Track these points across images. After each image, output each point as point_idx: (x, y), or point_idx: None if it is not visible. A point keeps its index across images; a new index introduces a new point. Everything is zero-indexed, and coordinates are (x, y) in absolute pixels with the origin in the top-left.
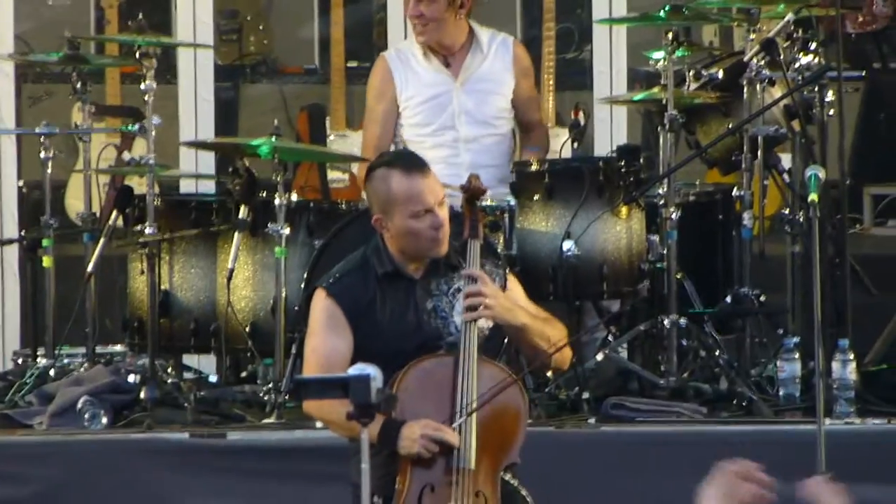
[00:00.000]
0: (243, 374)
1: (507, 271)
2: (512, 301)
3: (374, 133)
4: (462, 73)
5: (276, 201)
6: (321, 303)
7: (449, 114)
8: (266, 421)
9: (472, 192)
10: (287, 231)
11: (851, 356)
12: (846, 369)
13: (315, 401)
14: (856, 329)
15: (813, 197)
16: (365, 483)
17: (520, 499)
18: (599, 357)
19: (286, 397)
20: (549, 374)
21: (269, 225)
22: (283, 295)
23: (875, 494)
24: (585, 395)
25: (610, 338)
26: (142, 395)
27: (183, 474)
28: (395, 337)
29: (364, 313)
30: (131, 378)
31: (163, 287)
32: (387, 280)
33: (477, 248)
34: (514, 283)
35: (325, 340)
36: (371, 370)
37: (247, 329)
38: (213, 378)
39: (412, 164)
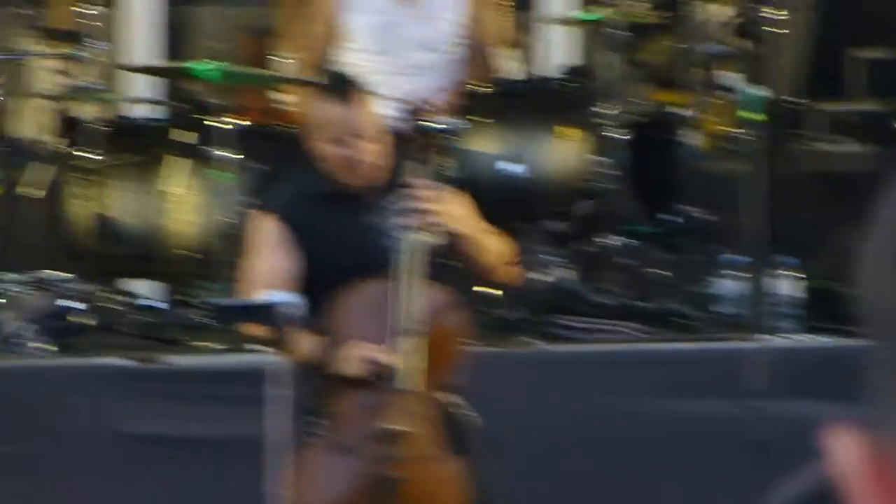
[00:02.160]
0: (186, 299)
1: (457, 187)
2: (458, 213)
3: (302, 55)
4: None
5: (220, 125)
6: (264, 224)
7: (399, 38)
8: (209, 345)
9: (417, 113)
10: (231, 155)
11: (795, 273)
12: (790, 286)
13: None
14: (801, 246)
15: (757, 114)
16: (274, 407)
17: (464, 420)
18: (545, 277)
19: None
20: (494, 292)
21: (213, 149)
22: (226, 219)
23: (819, 410)
24: (530, 315)
25: (555, 257)
26: (84, 320)
27: (124, 399)
28: (341, 256)
29: (308, 234)
30: (73, 303)
31: (104, 212)
32: (330, 199)
33: (421, 169)
34: (463, 199)
35: (268, 261)
36: (291, 295)
37: (190, 253)
38: (155, 303)
39: (338, 91)
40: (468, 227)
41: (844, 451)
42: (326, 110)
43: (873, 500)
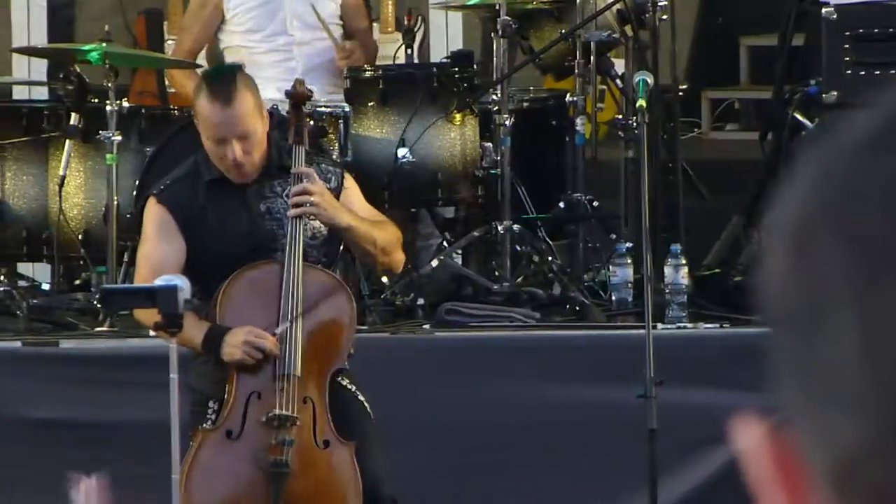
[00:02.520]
0: (76, 282)
1: (344, 171)
2: (339, 203)
3: (189, 38)
4: None
5: (108, 108)
6: (152, 210)
7: (280, 18)
8: (99, 329)
9: (297, 97)
10: (119, 138)
11: (684, 261)
12: (678, 274)
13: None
14: (689, 234)
15: (641, 102)
16: (174, 392)
17: (357, 404)
18: (434, 263)
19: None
20: (383, 278)
21: (100, 132)
22: (116, 202)
23: (706, 398)
24: (420, 301)
25: (444, 244)
26: None
27: (15, 382)
28: (229, 242)
29: (195, 219)
30: None
31: None
32: (217, 185)
33: (302, 154)
34: (351, 183)
35: (157, 247)
36: (178, 281)
37: (79, 237)
38: (45, 286)
39: (219, 90)
40: (343, 215)
41: (748, 438)
42: (208, 111)
43: (775, 486)
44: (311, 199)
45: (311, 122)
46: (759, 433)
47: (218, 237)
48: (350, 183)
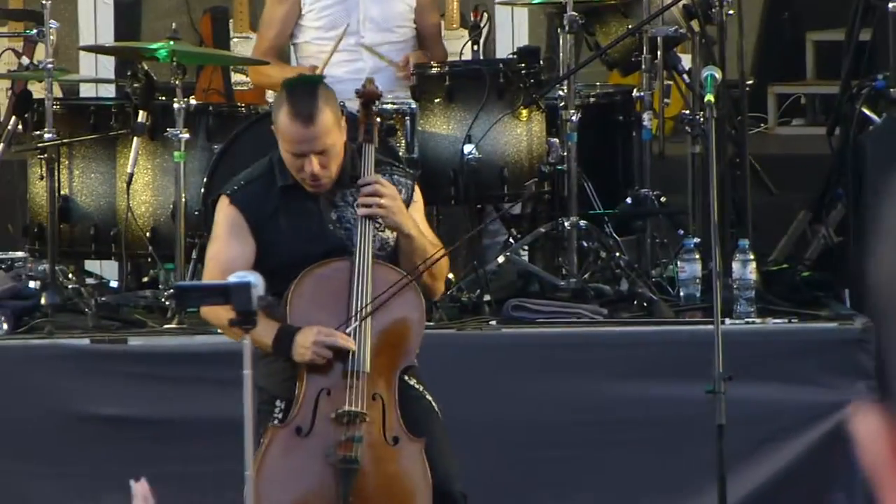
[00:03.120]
0: (144, 280)
1: (415, 185)
2: (403, 209)
3: (269, 35)
4: None
5: (175, 105)
6: (224, 210)
7: (354, 19)
8: (167, 326)
9: (368, 95)
10: (186, 135)
11: (751, 256)
12: (746, 269)
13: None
14: (757, 229)
15: (709, 97)
16: (247, 388)
17: (424, 402)
18: (500, 259)
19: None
20: (449, 275)
21: (168, 129)
22: (183, 200)
23: (774, 393)
24: (487, 298)
25: (511, 240)
26: (42, 300)
27: (84, 380)
28: (299, 247)
29: (267, 222)
30: (32, 284)
31: (63, 192)
32: (290, 190)
33: (371, 152)
34: (419, 198)
35: (227, 247)
36: (252, 277)
37: (147, 234)
38: (113, 283)
39: (300, 107)
40: (408, 222)
41: (866, 427)
42: (288, 127)
43: (893, 473)
44: (381, 200)
45: (381, 121)
46: (876, 422)
47: (288, 242)
48: (418, 197)
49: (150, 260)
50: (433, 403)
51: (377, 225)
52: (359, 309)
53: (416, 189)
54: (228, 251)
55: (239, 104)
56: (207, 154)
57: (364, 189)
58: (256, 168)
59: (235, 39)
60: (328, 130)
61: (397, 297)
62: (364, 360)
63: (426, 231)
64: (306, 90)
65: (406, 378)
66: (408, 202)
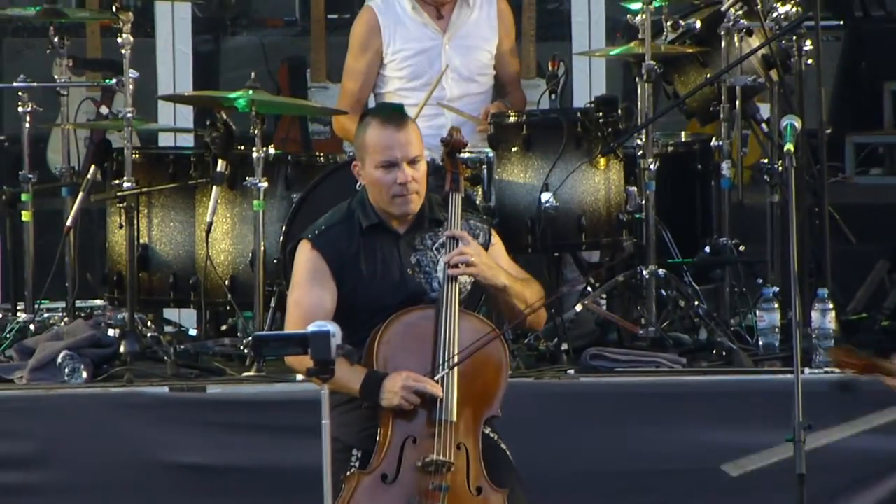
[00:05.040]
0: (223, 328)
1: (492, 228)
2: (493, 261)
3: (353, 87)
4: (450, 27)
5: (254, 154)
6: (306, 255)
7: (436, 69)
8: (245, 374)
9: (453, 144)
10: (265, 184)
11: (831, 305)
12: (825, 318)
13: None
14: (835, 278)
15: (789, 146)
16: (325, 438)
17: (500, 452)
18: (578, 308)
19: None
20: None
21: (247, 178)
22: (262, 248)
23: (854, 443)
24: (564, 346)
25: (589, 289)
26: (121, 349)
27: (163, 428)
28: (379, 290)
29: (348, 266)
30: (111, 332)
31: (142, 241)
32: (371, 233)
33: (458, 202)
34: (497, 240)
35: (309, 293)
36: (330, 327)
37: (226, 282)
38: (192, 332)
39: (391, 115)
40: (499, 275)
41: None
42: (380, 134)
43: None
44: (471, 259)
45: (463, 168)
46: None
47: (369, 286)
48: (496, 240)
49: (228, 308)
50: (507, 453)
51: (460, 275)
52: (446, 357)
53: (493, 232)
54: (310, 297)
55: (317, 153)
56: (286, 203)
57: (454, 251)
58: (336, 213)
59: (313, 89)
60: (417, 140)
61: (483, 346)
62: (451, 408)
63: (513, 269)
64: (392, 107)
65: (483, 428)
66: (487, 245)
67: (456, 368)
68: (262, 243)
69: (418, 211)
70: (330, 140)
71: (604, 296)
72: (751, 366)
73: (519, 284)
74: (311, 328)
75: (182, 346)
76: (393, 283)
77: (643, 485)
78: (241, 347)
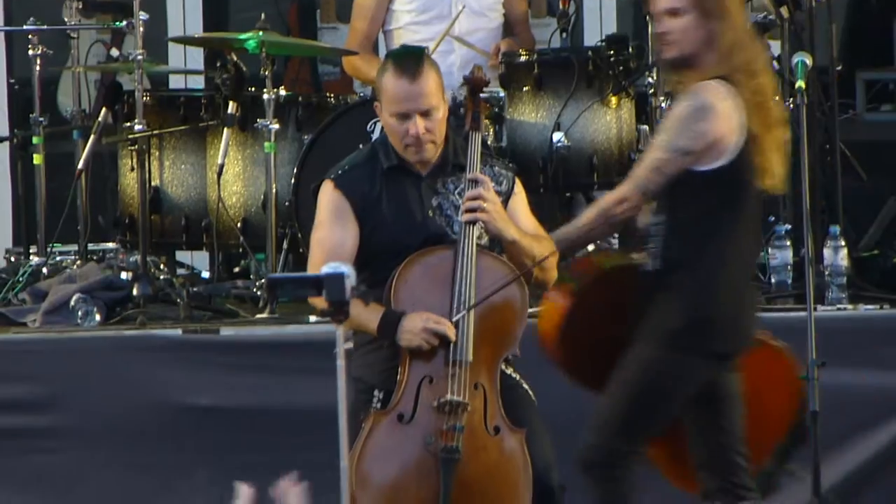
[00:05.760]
0: (236, 270)
1: (516, 177)
2: (506, 213)
3: (362, 26)
4: None
5: (265, 96)
6: (329, 194)
7: (445, 2)
8: (258, 316)
9: (475, 82)
10: (276, 126)
11: (843, 242)
12: (837, 256)
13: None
14: (847, 215)
15: (801, 83)
16: (341, 379)
17: (521, 391)
18: (590, 248)
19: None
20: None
21: (258, 120)
22: (274, 190)
23: (868, 379)
24: None
25: None
26: (134, 291)
27: (176, 370)
28: (400, 232)
29: (371, 207)
30: (124, 275)
31: (153, 183)
32: (393, 174)
33: (479, 140)
34: (520, 189)
35: (332, 232)
36: (345, 268)
37: (238, 224)
38: (204, 274)
39: (406, 65)
40: (510, 229)
41: None
42: (394, 85)
43: None
44: (484, 206)
45: (482, 107)
46: None
47: (391, 226)
48: (519, 189)
49: (241, 250)
50: (530, 393)
51: (477, 224)
52: (464, 298)
53: (517, 181)
54: (333, 236)
55: (328, 94)
56: (297, 144)
57: (468, 194)
58: (360, 154)
59: (323, 30)
60: (432, 91)
61: (501, 288)
62: (467, 349)
63: (530, 224)
64: (411, 53)
65: (503, 367)
66: (509, 193)
67: (474, 309)
68: (274, 185)
69: (441, 154)
70: (340, 81)
71: (615, 236)
72: (763, 303)
73: (528, 239)
74: (325, 269)
75: (195, 289)
76: (414, 224)
77: None
78: (254, 289)
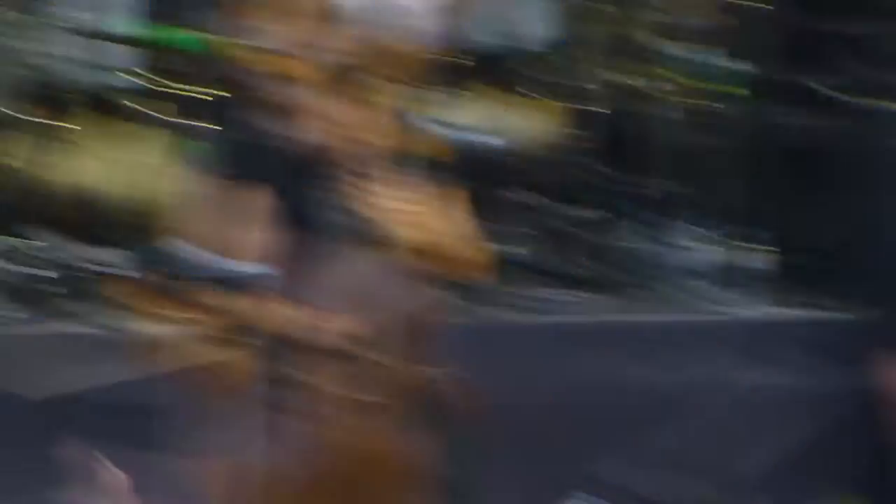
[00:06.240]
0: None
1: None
2: (431, 224)
3: (292, 27)
4: None
5: (194, 94)
6: (241, 193)
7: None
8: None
9: None
10: (203, 124)
11: (768, 246)
12: (762, 259)
13: None
14: (774, 219)
15: (734, 88)
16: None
17: (437, 393)
18: (513, 249)
19: None
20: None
21: (185, 118)
22: (198, 187)
23: (786, 381)
24: (498, 287)
25: (525, 229)
26: (54, 287)
27: (94, 365)
28: (317, 228)
29: (287, 203)
30: (44, 270)
31: (79, 180)
32: (308, 170)
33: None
34: (460, 196)
35: (244, 229)
36: (261, 266)
37: (159, 222)
38: (125, 270)
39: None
40: (438, 241)
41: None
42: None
43: None
44: (404, 213)
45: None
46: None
47: (307, 223)
48: (457, 197)
49: (160, 246)
50: (448, 394)
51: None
52: (377, 296)
53: (457, 192)
54: (244, 234)
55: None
56: (222, 143)
57: (389, 195)
58: (273, 151)
59: (259, 30)
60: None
61: (415, 286)
62: (380, 347)
63: (466, 231)
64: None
65: (420, 367)
66: None
67: (386, 306)
68: (197, 182)
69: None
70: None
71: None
72: (681, 305)
73: (462, 244)
74: (241, 267)
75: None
76: (329, 220)
77: (577, 422)
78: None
